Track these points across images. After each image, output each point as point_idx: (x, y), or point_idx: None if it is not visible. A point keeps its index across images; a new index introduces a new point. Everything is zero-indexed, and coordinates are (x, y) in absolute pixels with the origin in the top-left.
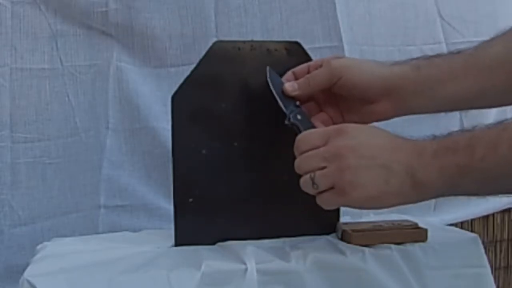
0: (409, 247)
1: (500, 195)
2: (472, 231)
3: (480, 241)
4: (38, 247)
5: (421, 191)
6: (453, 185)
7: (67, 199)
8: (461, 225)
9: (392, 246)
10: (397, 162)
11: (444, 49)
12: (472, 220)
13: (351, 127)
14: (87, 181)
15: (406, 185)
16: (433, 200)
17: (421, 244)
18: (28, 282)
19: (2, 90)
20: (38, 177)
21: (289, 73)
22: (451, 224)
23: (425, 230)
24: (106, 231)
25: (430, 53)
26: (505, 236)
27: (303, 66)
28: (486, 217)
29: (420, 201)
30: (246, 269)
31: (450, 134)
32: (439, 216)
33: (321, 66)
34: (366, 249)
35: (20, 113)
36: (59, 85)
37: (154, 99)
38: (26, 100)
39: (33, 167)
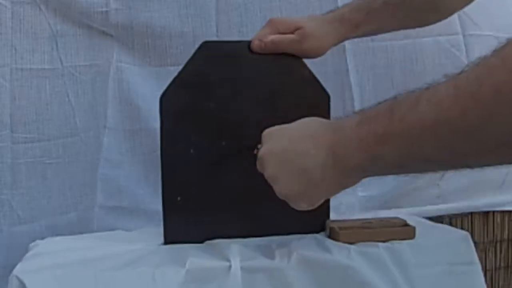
0: (396, 244)
1: (424, 171)
2: (472, 230)
3: (470, 239)
4: (31, 245)
5: (344, 170)
6: (375, 158)
7: (66, 199)
8: (461, 225)
9: (379, 243)
10: (315, 146)
11: (461, 40)
12: (472, 219)
13: (274, 132)
14: (87, 181)
15: (328, 167)
16: (436, 190)
17: (409, 241)
18: (17, 278)
19: (2, 90)
20: (38, 177)
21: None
22: (452, 220)
23: (413, 228)
24: (104, 231)
25: (447, 45)
26: (505, 236)
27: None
28: (486, 217)
29: (347, 184)
30: (230, 266)
31: (376, 104)
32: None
33: (293, 33)
34: (352, 247)
35: (20, 113)
36: (59, 85)
37: (154, 100)
38: (26, 100)
39: (33, 167)
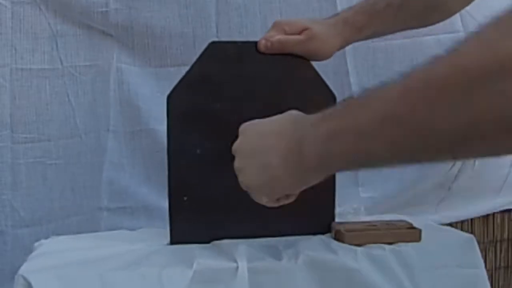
0: (402, 247)
1: (374, 167)
2: (472, 231)
3: (475, 242)
4: (35, 244)
5: (301, 166)
6: (326, 154)
7: (68, 201)
8: (461, 225)
9: (385, 246)
10: (279, 143)
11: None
12: (472, 220)
13: (247, 127)
14: (88, 183)
15: (289, 164)
16: (435, 200)
17: (415, 244)
18: (23, 277)
19: (2, 90)
20: (38, 177)
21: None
22: (452, 223)
23: (419, 230)
24: None
25: (449, 43)
26: (505, 236)
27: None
28: (486, 217)
29: (308, 180)
30: (237, 267)
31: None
32: (441, 214)
33: (300, 33)
34: (358, 249)
35: (20, 113)
36: (59, 85)
37: (155, 101)
38: (26, 100)
39: (34, 168)
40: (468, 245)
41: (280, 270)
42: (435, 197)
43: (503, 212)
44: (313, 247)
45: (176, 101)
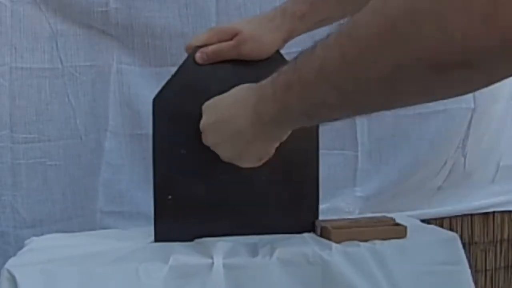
0: (378, 244)
1: (330, 118)
2: (472, 231)
3: (459, 241)
4: (26, 241)
5: (266, 124)
6: (284, 107)
7: (70, 202)
8: (461, 225)
9: (361, 243)
10: (243, 109)
11: None
12: (472, 220)
13: (208, 104)
14: (89, 184)
15: (256, 125)
16: (430, 194)
17: (392, 241)
18: (8, 271)
19: (2, 90)
20: (38, 178)
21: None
22: (448, 217)
23: (404, 227)
24: None
25: None
26: (505, 236)
27: (217, 31)
28: (486, 217)
29: (279, 136)
30: (212, 263)
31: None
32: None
33: (231, 39)
34: (334, 245)
35: (20, 113)
36: (59, 85)
37: None
38: (26, 100)
39: (34, 168)
40: (450, 243)
41: (254, 266)
42: (426, 194)
43: (503, 212)
44: (291, 244)
45: (162, 103)
